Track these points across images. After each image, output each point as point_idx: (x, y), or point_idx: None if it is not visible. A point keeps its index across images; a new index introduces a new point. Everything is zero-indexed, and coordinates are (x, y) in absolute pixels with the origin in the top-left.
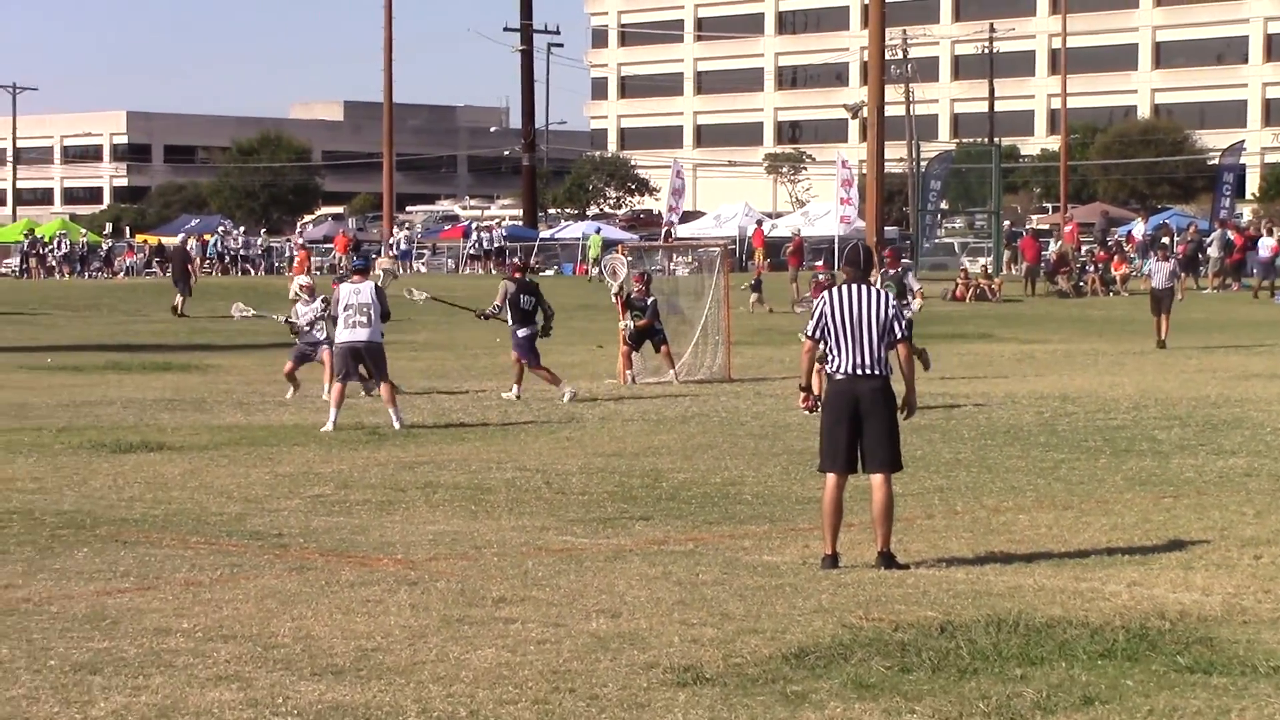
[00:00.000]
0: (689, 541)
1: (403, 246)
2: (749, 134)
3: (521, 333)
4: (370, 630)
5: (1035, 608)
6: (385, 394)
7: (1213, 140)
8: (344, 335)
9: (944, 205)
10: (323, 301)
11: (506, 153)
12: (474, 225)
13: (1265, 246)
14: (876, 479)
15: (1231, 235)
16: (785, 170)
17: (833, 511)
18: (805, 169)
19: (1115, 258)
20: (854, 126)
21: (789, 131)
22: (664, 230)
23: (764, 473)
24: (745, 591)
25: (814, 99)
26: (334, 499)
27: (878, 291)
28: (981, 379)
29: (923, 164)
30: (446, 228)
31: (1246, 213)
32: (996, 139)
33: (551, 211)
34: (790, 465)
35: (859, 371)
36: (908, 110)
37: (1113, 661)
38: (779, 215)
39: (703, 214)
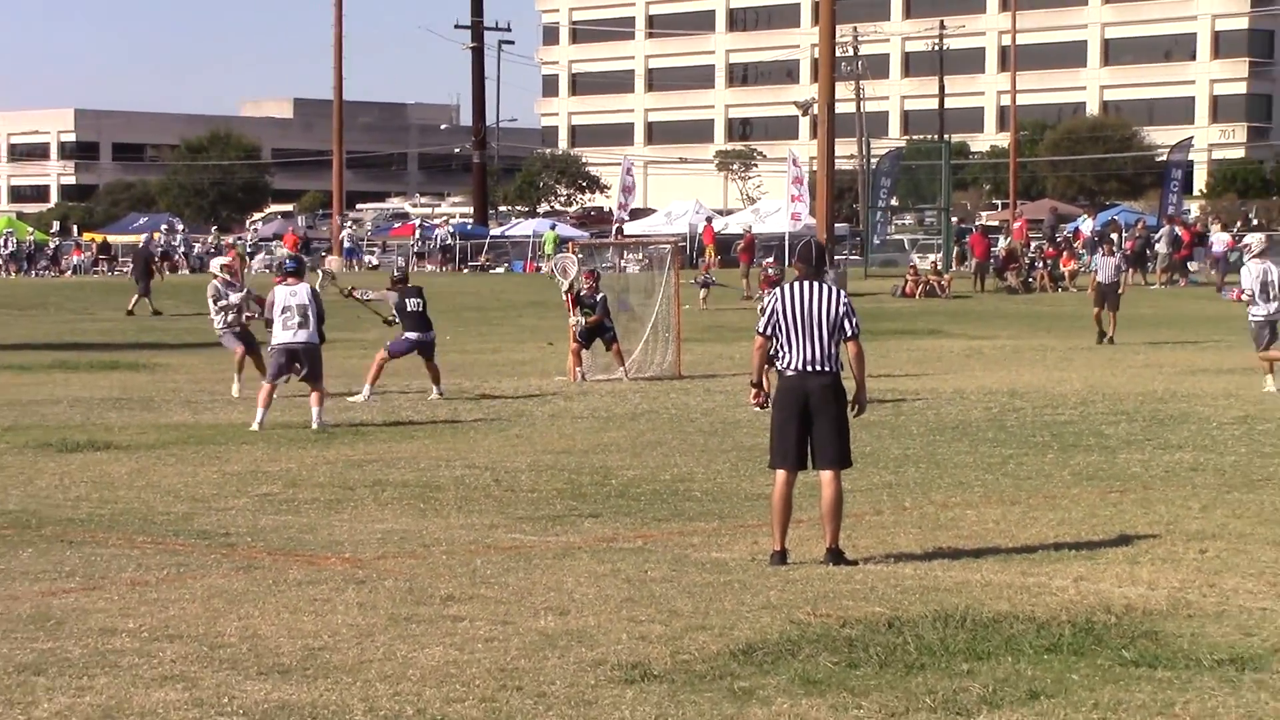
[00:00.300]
0: (638, 539)
1: (347, 245)
2: (700, 131)
3: (412, 336)
4: (317, 629)
5: (982, 603)
6: (315, 395)
7: (1161, 137)
8: (281, 337)
9: (894, 202)
10: (248, 292)
11: (457, 150)
12: (425, 222)
13: (1220, 241)
14: (826, 475)
15: (1179, 231)
16: (736, 167)
17: (782, 508)
18: (756, 166)
19: (1064, 254)
20: (805, 123)
21: (740, 128)
22: (615, 227)
23: (713, 469)
24: (694, 588)
25: (765, 96)
26: (282, 498)
27: (829, 288)
28: (930, 375)
29: (873, 161)
30: (397, 225)
31: (1194, 209)
32: (946, 136)
33: (502, 209)
34: (740, 462)
35: (809, 368)
36: (858, 107)
37: (1059, 656)
38: (730, 212)
39: (653, 211)
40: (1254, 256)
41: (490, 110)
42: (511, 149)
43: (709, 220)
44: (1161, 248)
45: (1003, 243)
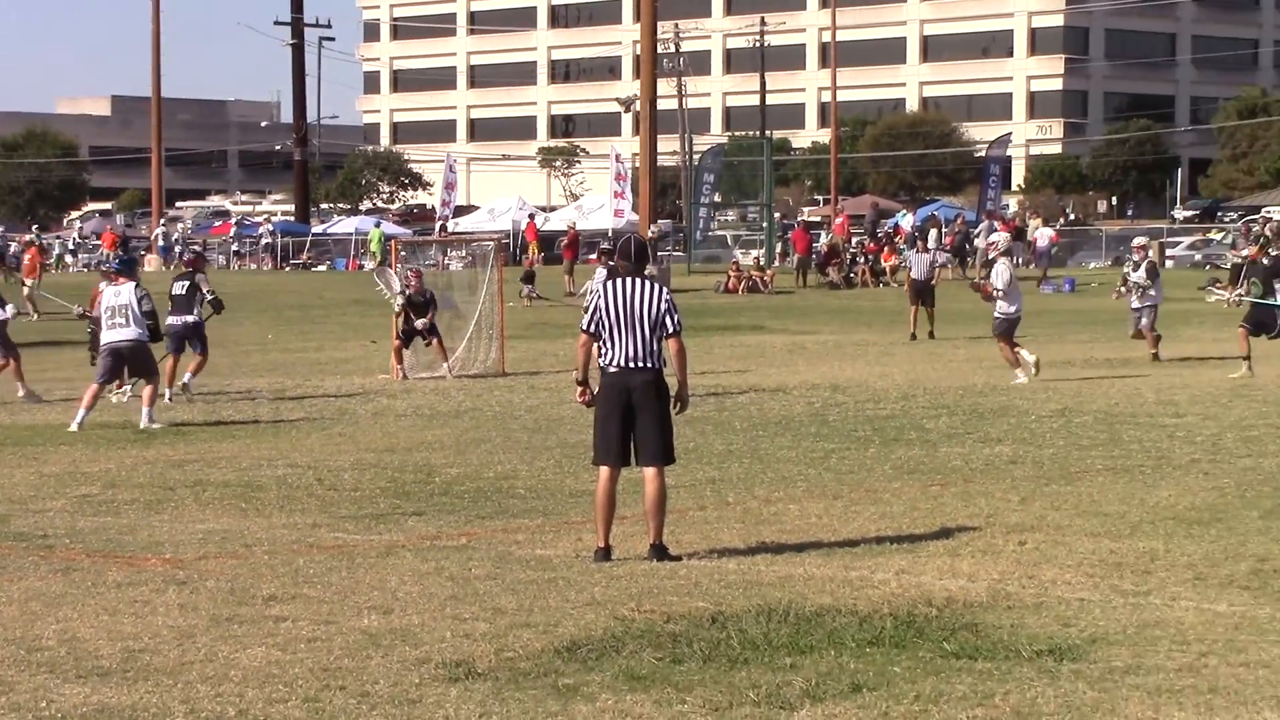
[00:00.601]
0: (462, 536)
1: (161, 244)
2: (522, 128)
3: (171, 320)
4: (138, 631)
5: (805, 597)
6: (147, 393)
7: (979, 132)
8: (108, 337)
9: (717, 198)
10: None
11: (278, 147)
12: (244, 220)
13: (1044, 236)
14: (649, 472)
15: (998, 226)
16: (559, 164)
17: (605, 504)
18: (579, 163)
19: (885, 249)
20: (627, 120)
21: (562, 125)
22: (439, 224)
23: (537, 466)
24: (518, 585)
25: (587, 93)
26: (101, 499)
27: (651, 285)
28: (754, 371)
29: (695, 157)
30: (218, 224)
31: (1013, 204)
32: (768, 132)
33: (324, 206)
34: (564, 459)
35: (631, 364)
36: (680, 103)
37: (881, 649)
38: (553, 209)
39: (476, 208)
40: (1001, 254)
41: (311, 107)
42: (333, 146)
43: (531, 217)
44: (980, 243)
45: (824, 238)
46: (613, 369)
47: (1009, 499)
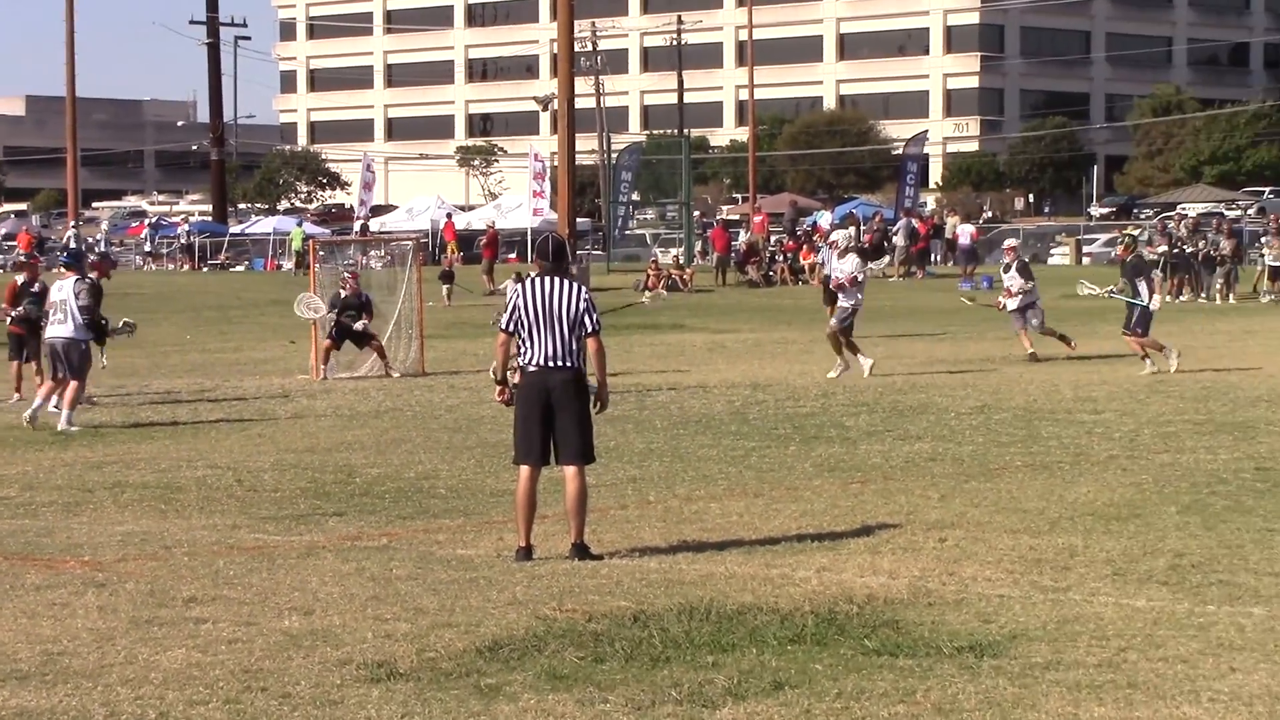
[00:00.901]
0: (383, 537)
1: (72, 245)
2: (440, 127)
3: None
4: (56, 634)
5: (726, 595)
6: (69, 392)
7: (897, 130)
8: (47, 332)
9: (635, 196)
10: None
11: (195, 147)
12: (161, 220)
13: (965, 233)
14: (569, 470)
15: (916, 224)
16: (477, 163)
17: (526, 504)
18: (497, 161)
19: (804, 247)
20: (545, 118)
21: (480, 124)
22: (361, 224)
23: (458, 466)
24: (439, 585)
25: (505, 91)
26: (18, 501)
27: (570, 284)
28: (674, 369)
29: (614, 156)
30: (134, 224)
31: (930, 201)
32: (686, 130)
33: (242, 206)
34: (484, 458)
35: (550, 363)
36: (598, 102)
37: (802, 646)
38: (472, 208)
39: (395, 207)
40: (841, 251)
41: (228, 107)
42: (250, 146)
43: (449, 216)
44: (899, 240)
45: (743, 237)
46: (532, 368)
47: (929, 496)
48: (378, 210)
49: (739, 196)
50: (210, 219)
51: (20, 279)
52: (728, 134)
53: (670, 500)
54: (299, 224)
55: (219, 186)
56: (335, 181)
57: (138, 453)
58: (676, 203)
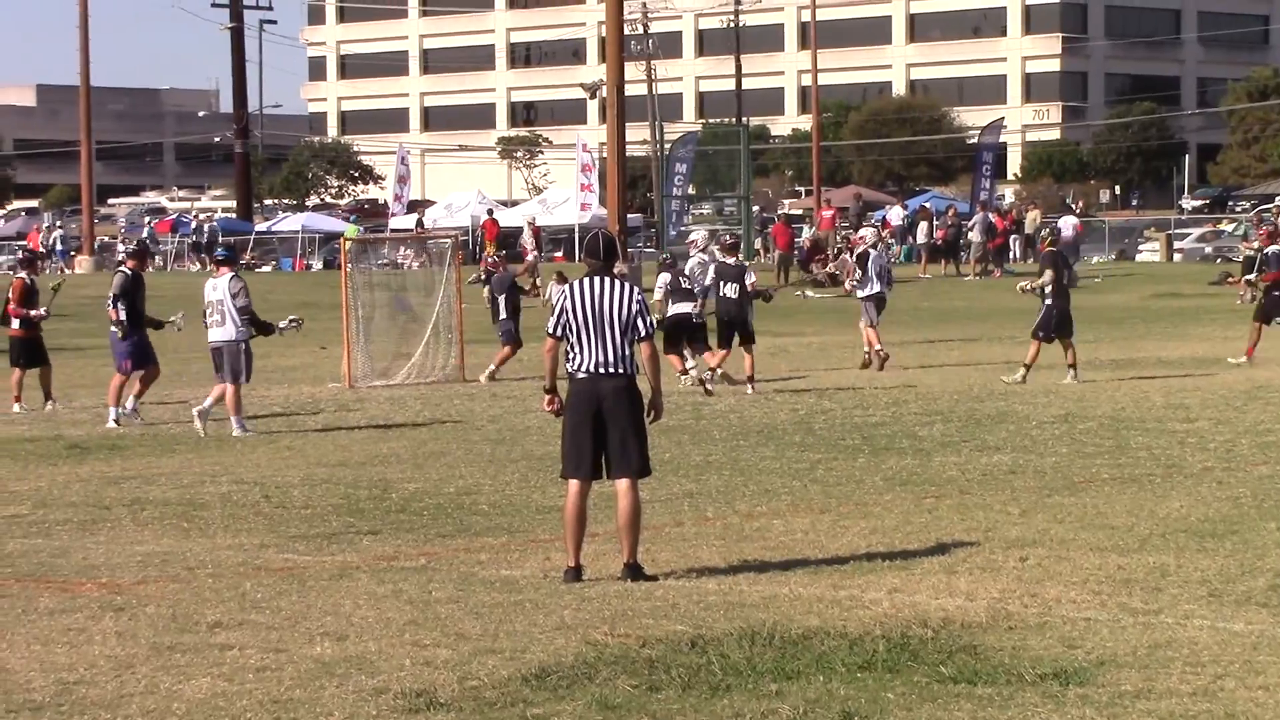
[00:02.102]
0: (421, 556)
1: (59, 247)
2: (480, 116)
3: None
4: (72, 661)
5: (791, 618)
6: (229, 398)
7: (971, 118)
8: (209, 335)
9: (690, 190)
10: None
11: (217, 139)
12: (182, 217)
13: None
14: (622, 485)
15: (993, 218)
16: (520, 155)
17: (575, 521)
18: (542, 153)
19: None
20: (593, 107)
21: (523, 113)
22: (416, 218)
23: (501, 481)
24: (482, 609)
25: (549, 78)
26: (31, 519)
27: (621, 284)
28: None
29: (667, 146)
30: (159, 220)
31: (1008, 194)
32: (745, 119)
33: (268, 202)
34: (529, 472)
35: (601, 370)
36: (650, 89)
37: (873, 673)
38: (515, 203)
39: (432, 203)
40: (700, 250)
41: (252, 96)
42: (276, 137)
43: (490, 212)
44: (975, 236)
45: (807, 233)
46: (581, 375)
47: (1009, 511)
48: (413, 206)
49: (802, 189)
50: (234, 216)
51: (25, 277)
52: (789, 122)
53: (730, 517)
54: (353, 220)
55: (243, 181)
56: (368, 175)
57: (158, 467)
58: (735, 196)
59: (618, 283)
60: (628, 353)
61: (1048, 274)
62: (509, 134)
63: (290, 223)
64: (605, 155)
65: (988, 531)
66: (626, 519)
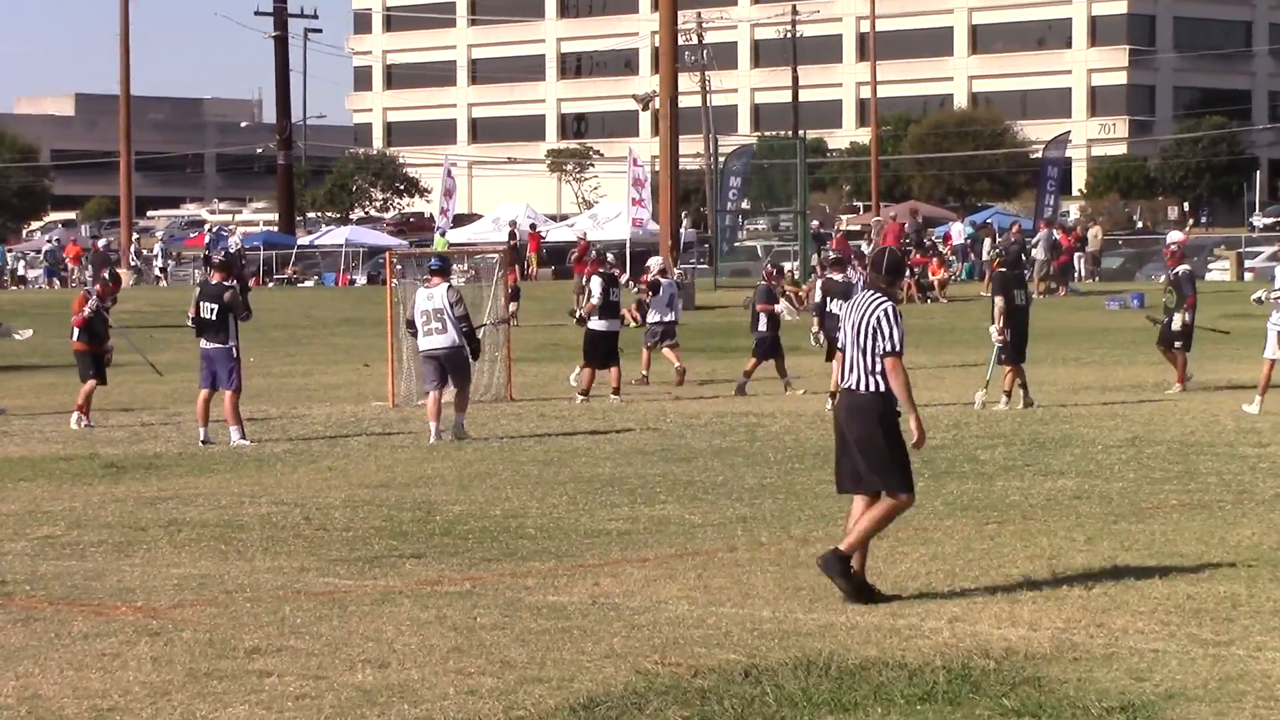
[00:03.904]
0: (465, 581)
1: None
2: (530, 128)
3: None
4: (106, 688)
5: (848, 648)
6: (459, 398)
7: (1035, 131)
8: (423, 343)
9: (745, 205)
10: None
11: (260, 150)
12: (218, 230)
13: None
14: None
15: (1058, 235)
16: (570, 168)
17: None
18: (592, 166)
19: (933, 260)
20: (645, 119)
21: (574, 125)
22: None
23: (549, 503)
24: (528, 636)
25: (601, 89)
26: (65, 540)
27: (873, 296)
28: (789, 396)
29: (721, 160)
30: (193, 235)
31: (1073, 210)
32: (801, 131)
33: (311, 215)
34: (578, 494)
35: (847, 385)
36: (704, 100)
37: (933, 705)
38: (564, 218)
39: (479, 216)
40: (657, 274)
41: (296, 106)
42: (320, 149)
43: (533, 226)
44: (1039, 254)
45: (866, 249)
46: (842, 388)
47: (1074, 538)
48: (460, 220)
49: (860, 204)
50: (276, 229)
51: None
52: (847, 135)
53: (785, 542)
54: (441, 234)
55: (286, 193)
56: (414, 188)
57: (195, 487)
58: (791, 211)
59: (872, 294)
60: (870, 366)
61: (998, 300)
62: (559, 146)
63: (334, 236)
64: (658, 169)
65: (1052, 559)
66: (859, 519)
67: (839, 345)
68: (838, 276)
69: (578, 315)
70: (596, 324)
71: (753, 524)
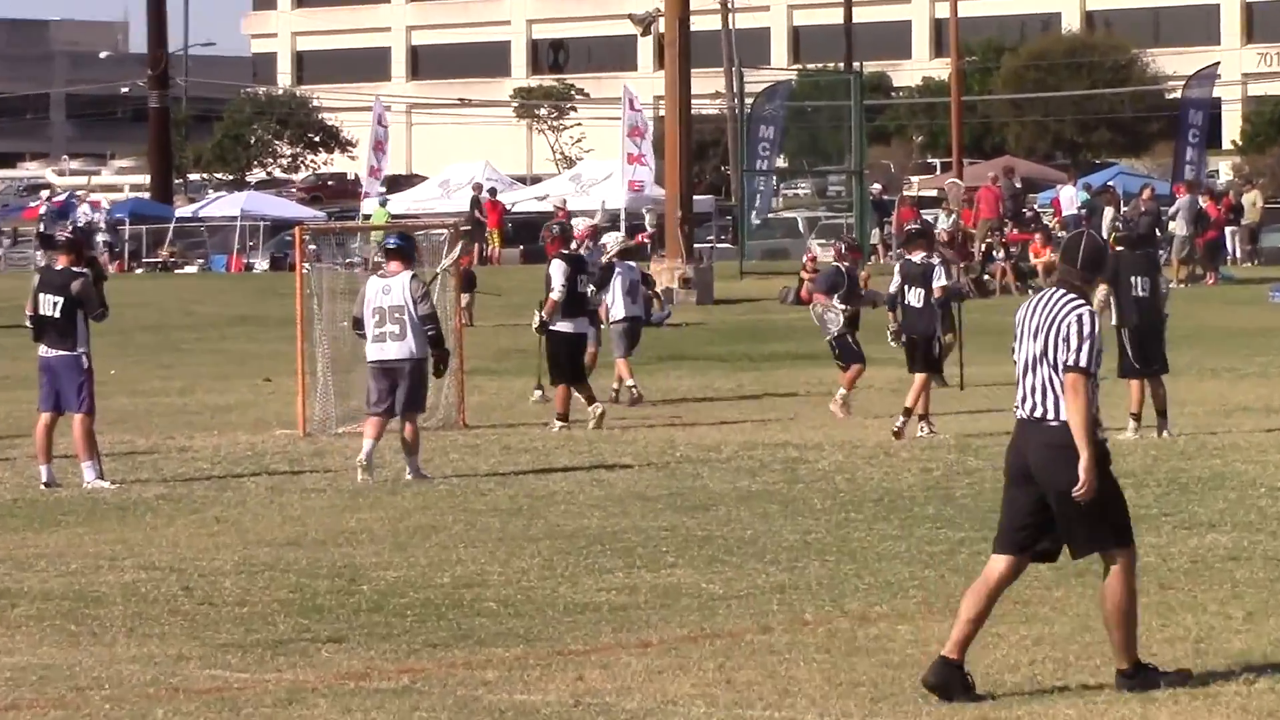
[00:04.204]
0: (402, 674)
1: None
2: (489, 61)
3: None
4: None
5: None
6: (408, 432)
7: (1172, 64)
8: (373, 350)
9: (781, 162)
10: None
11: (126, 90)
12: (72, 198)
13: None
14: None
15: (1203, 203)
16: (545, 113)
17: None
18: (574, 111)
19: (1036, 238)
20: (645, 47)
21: (549, 55)
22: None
23: (515, 568)
24: None
25: (585, 7)
26: None
27: (1060, 295)
28: (840, 420)
29: (749, 102)
30: (34, 203)
31: (1224, 170)
32: (857, 64)
33: (194, 177)
34: (555, 555)
35: (1022, 413)
36: (725, 22)
37: None
38: (537, 180)
39: (421, 179)
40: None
41: (174, 30)
42: (207, 87)
43: (492, 193)
44: (1178, 228)
45: (943, 222)
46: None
47: (1229, 615)
48: (396, 184)
49: (936, 162)
50: (147, 196)
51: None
52: (919, 69)
53: (837, 620)
54: (382, 202)
55: (160, 148)
56: (333, 140)
57: (35, 545)
58: (843, 171)
59: (1059, 294)
60: (1048, 386)
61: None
62: (528, 84)
63: (225, 206)
64: (663, 114)
65: (1200, 642)
66: (1109, 607)
67: (1013, 357)
68: (917, 258)
69: (539, 319)
70: (561, 325)
71: (793, 595)
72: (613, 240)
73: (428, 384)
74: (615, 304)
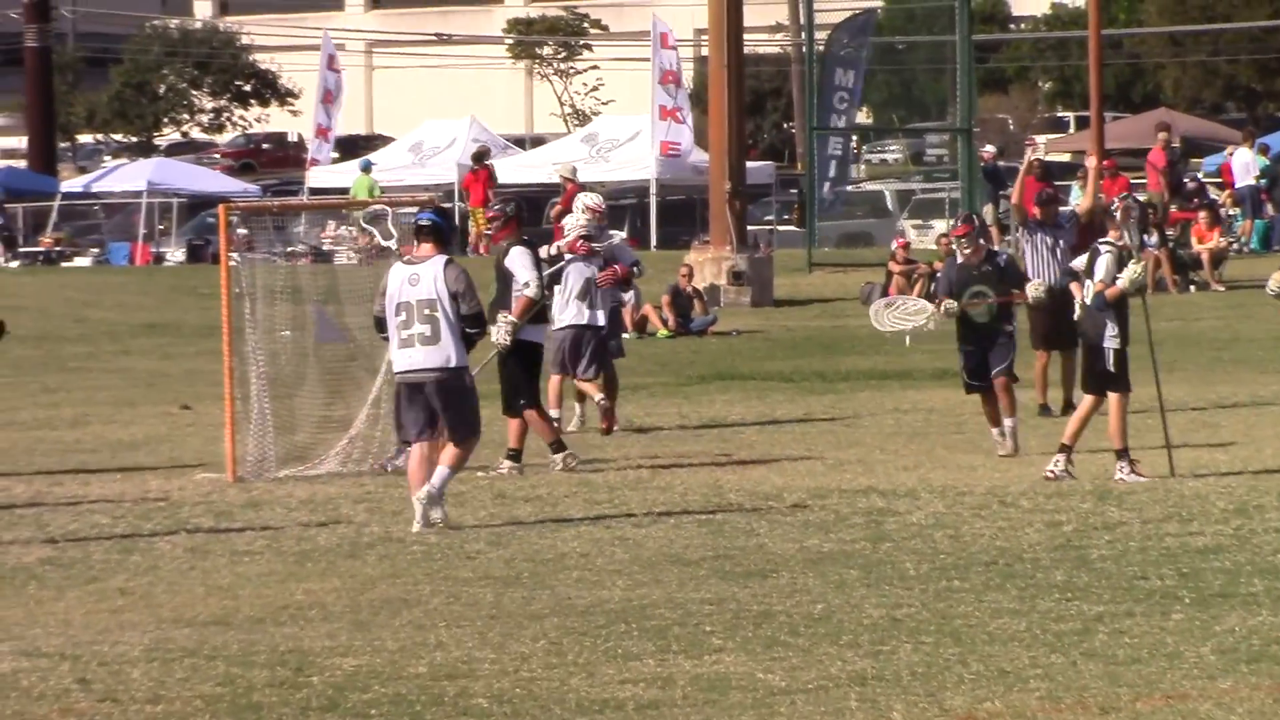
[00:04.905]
0: None
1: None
2: None
3: None
4: None
5: None
6: (449, 457)
7: None
8: (399, 358)
9: (862, 117)
10: None
11: None
12: None
13: None
14: None
15: None
16: (549, 53)
17: None
18: (588, 50)
19: (1200, 216)
20: None
21: None
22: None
23: (513, 653)
24: None
25: None
26: None
27: None
28: (939, 461)
29: (820, 37)
30: None
31: None
32: None
33: (86, 139)
34: (565, 637)
35: None
36: None
37: None
38: (540, 141)
39: (387, 140)
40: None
41: None
42: (103, 19)
43: (477, 159)
44: None
45: (1075, 197)
46: None
47: None
48: (350, 146)
49: (1069, 116)
50: (24, 164)
51: None
52: None
53: (934, 716)
54: (364, 168)
55: (40, 102)
56: (269, 90)
57: None
58: (945, 129)
59: None
60: None
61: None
62: (527, 14)
63: (126, 177)
64: (705, 53)
65: None
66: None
67: None
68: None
69: (505, 326)
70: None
71: (877, 688)
72: (573, 221)
73: (476, 396)
74: (560, 306)
